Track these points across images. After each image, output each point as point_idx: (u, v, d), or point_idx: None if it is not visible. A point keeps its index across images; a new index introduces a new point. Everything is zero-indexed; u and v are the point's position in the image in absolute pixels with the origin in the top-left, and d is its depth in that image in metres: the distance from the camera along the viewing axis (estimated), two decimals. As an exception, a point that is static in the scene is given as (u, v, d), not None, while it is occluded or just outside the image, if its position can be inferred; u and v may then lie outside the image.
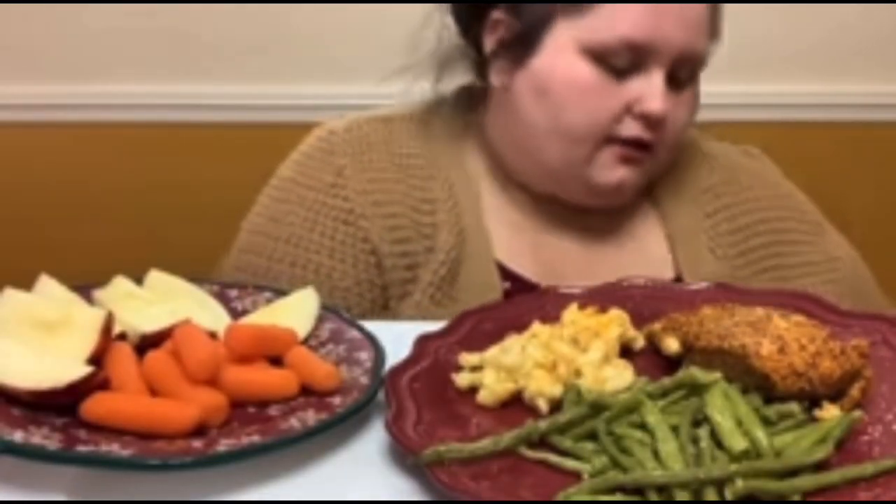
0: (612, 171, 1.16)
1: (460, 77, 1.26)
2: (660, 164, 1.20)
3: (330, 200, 1.18)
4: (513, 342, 0.88)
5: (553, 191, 1.21)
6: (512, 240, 1.21)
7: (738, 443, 0.74)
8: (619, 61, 1.12)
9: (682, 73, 1.15)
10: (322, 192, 1.19)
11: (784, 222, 1.26)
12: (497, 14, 1.18)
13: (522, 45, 1.16)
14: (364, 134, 1.22)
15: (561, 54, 1.14)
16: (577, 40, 1.12)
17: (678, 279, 1.20)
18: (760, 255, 1.24)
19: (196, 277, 0.98)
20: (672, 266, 1.23)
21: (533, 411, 0.83)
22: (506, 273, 1.19)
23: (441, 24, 1.23)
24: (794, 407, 0.79)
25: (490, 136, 1.24)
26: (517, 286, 1.18)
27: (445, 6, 1.23)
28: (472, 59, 1.24)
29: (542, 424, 0.77)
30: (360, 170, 1.19)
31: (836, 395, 0.82)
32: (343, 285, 1.16)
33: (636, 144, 1.14)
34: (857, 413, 0.79)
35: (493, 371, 0.85)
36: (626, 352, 0.91)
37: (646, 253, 1.24)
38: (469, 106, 1.26)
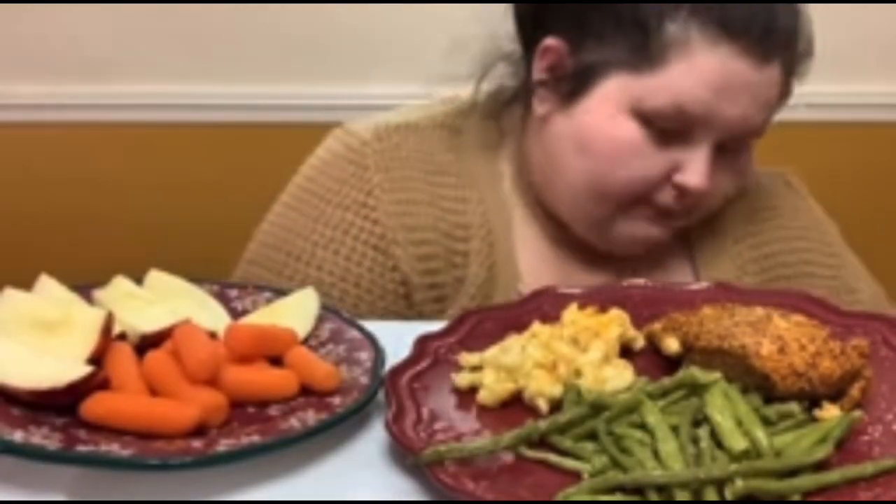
0: (637, 230, 1.12)
1: (499, 81, 1.20)
2: (693, 221, 1.16)
3: (359, 221, 1.11)
4: (513, 342, 0.88)
5: (574, 227, 1.16)
6: (540, 270, 1.17)
7: (738, 443, 0.74)
8: (668, 125, 1.06)
9: (733, 144, 1.09)
10: (350, 212, 1.11)
11: (809, 254, 1.22)
12: (550, 41, 1.11)
13: (571, 85, 1.10)
14: (395, 145, 1.14)
15: (608, 108, 1.08)
16: (629, 98, 1.06)
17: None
18: (784, 286, 1.18)
19: (196, 277, 0.98)
20: (691, 271, 1.21)
21: (533, 411, 0.83)
22: None
23: (497, 26, 1.16)
24: (794, 407, 0.79)
25: (524, 153, 1.19)
26: None
27: (509, 15, 1.16)
28: (521, 76, 1.18)
29: (542, 424, 0.77)
30: (391, 189, 1.11)
31: (836, 395, 0.82)
32: (369, 318, 1.07)
33: (668, 210, 1.11)
34: (857, 413, 0.79)
35: (493, 371, 0.85)
36: (626, 352, 0.91)
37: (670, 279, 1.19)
38: (504, 112, 1.21)
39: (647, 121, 1.07)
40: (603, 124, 1.08)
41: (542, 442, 0.77)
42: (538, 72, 1.13)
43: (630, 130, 1.07)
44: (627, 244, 1.15)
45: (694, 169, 1.07)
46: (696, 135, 1.07)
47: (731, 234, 1.22)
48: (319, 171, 1.16)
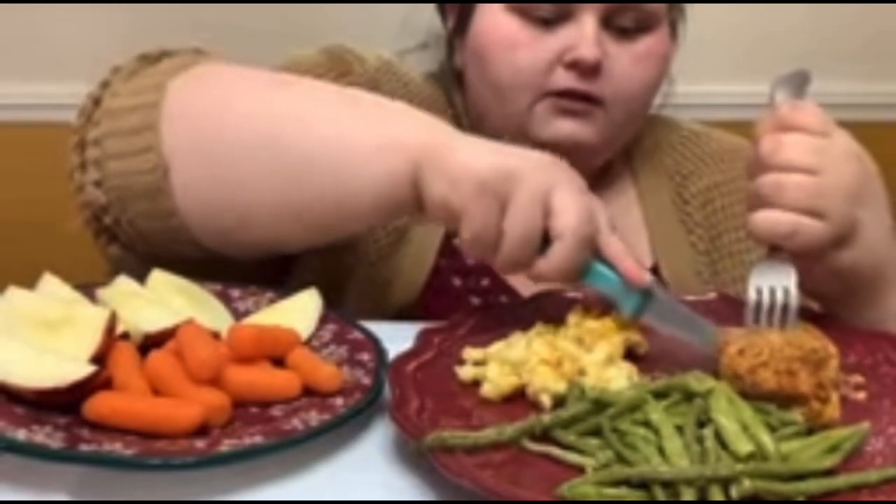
0: (552, 125, 1.11)
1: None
2: (620, 127, 1.15)
3: None
4: (518, 338, 0.88)
5: None
6: None
7: (744, 445, 0.73)
8: (544, 12, 1.10)
9: (626, 21, 1.11)
10: None
11: (736, 195, 1.22)
12: (449, 4, 1.22)
13: (462, 18, 1.18)
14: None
15: (488, 13, 1.13)
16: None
17: (654, 270, 1.18)
18: (728, 239, 1.21)
19: (198, 277, 0.98)
20: (650, 255, 1.20)
21: (536, 407, 0.82)
22: (445, 248, 1.16)
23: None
24: (797, 416, 0.79)
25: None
26: (454, 264, 1.15)
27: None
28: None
29: (546, 418, 0.77)
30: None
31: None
32: None
33: (575, 96, 1.10)
34: (865, 425, 0.79)
35: (497, 365, 0.85)
36: (629, 356, 0.91)
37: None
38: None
39: (524, 11, 1.11)
40: (485, 29, 1.14)
41: (544, 437, 0.77)
42: (448, 32, 1.21)
43: (509, 24, 1.11)
44: (551, 145, 1.07)
45: (581, 41, 1.09)
46: (576, 13, 1.09)
47: (681, 195, 1.23)
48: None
